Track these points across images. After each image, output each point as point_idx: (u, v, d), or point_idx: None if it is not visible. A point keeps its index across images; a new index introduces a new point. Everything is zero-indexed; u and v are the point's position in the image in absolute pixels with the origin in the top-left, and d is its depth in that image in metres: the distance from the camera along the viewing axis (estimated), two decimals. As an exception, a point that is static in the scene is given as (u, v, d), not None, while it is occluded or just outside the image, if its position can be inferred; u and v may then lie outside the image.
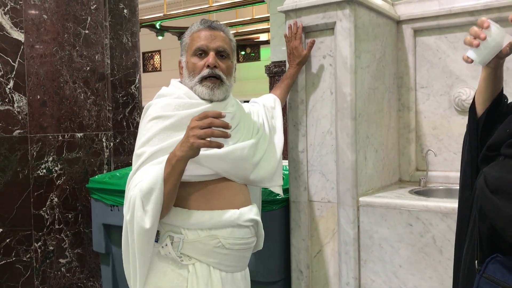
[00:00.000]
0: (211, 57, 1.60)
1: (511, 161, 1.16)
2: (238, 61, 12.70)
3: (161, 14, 10.41)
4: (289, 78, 2.08)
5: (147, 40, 11.35)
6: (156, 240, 1.51)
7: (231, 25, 9.99)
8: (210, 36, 1.63)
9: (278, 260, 2.17)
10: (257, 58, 12.79)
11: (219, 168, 1.55)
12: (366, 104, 2.07)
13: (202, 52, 1.62)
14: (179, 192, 1.49)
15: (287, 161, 2.20)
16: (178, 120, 1.55)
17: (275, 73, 5.77)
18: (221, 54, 1.63)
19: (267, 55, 10.26)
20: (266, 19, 9.32)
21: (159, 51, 16.32)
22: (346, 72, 1.96)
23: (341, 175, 2.00)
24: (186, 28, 1.73)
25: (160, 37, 11.55)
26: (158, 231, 1.51)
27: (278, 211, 2.14)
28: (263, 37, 11.89)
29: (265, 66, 5.97)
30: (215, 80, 1.61)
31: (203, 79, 1.61)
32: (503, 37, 1.19)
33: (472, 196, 1.27)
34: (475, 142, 1.35)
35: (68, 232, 2.79)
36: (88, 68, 2.88)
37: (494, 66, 1.27)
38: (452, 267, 1.43)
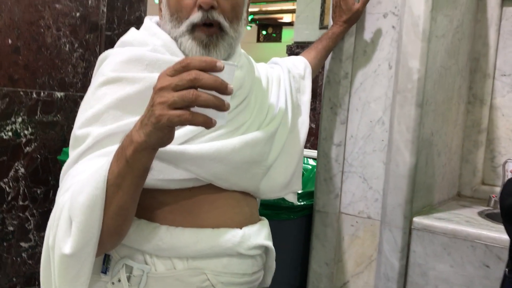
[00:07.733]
0: None
1: None
2: (258, 40, 12.34)
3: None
4: (330, 38, 1.48)
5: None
6: (104, 271, 0.95)
7: (255, 1, 9.60)
8: None
9: None
10: (278, 39, 12.23)
11: (211, 173, 0.98)
12: (436, 88, 1.50)
13: None
14: (144, 200, 0.93)
15: (313, 151, 1.64)
16: (148, 87, 0.93)
17: (297, 54, 5.29)
18: None
19: (289, 37, 9.77)
20: (291, -2, 8.76)
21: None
22: (417, 38, 1.38)
23: (392, 183, 1.43)
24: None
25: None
26: (107, 256, 0.96)
27: (296, 222, 1.58)
28: (286, 18, 11.36)
29: (286, 45, 5.45)
30: (212, 29, 1.00)
31: (194, 28, 1.00)
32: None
33: None
34: None
35: (34, 211, 2.31)
36: (77, 14, 2.35)
37: None
38: None
